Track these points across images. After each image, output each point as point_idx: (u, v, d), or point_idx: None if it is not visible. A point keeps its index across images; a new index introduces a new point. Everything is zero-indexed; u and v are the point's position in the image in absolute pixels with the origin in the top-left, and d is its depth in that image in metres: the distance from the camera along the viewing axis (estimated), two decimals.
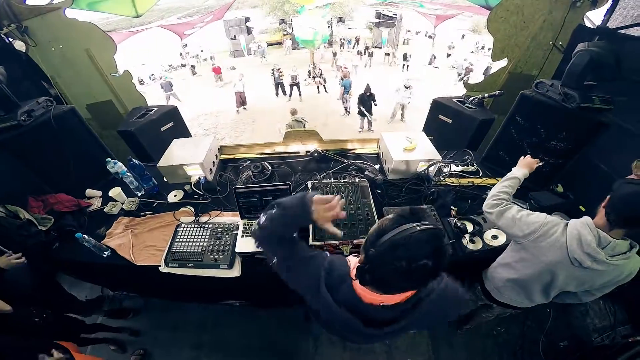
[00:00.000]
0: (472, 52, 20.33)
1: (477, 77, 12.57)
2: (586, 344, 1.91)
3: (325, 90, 11.97)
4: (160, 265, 1.81)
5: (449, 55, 18.51)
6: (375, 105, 8.02)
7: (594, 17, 2.78)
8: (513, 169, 1.78)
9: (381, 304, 0.96)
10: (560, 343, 2.22)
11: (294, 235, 1.17)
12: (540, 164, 1.81)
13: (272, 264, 1.12)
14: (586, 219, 1.36)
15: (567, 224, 1.39)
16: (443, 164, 2.36)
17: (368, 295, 0.97)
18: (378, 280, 0.90)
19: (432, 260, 0.79)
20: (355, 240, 1.77)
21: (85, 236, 1.78)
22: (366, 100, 7.85)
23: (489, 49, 3.35)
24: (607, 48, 1.88)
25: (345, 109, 9.64)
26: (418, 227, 0.81)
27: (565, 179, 2.37)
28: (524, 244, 1.51)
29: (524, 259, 1.57)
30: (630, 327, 1.78)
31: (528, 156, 1.80)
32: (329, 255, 1.15)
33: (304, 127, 6.88)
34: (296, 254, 1.12)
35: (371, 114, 8.11)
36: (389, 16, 18.95)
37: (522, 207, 1.58)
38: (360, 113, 8.13)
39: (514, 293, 1.73)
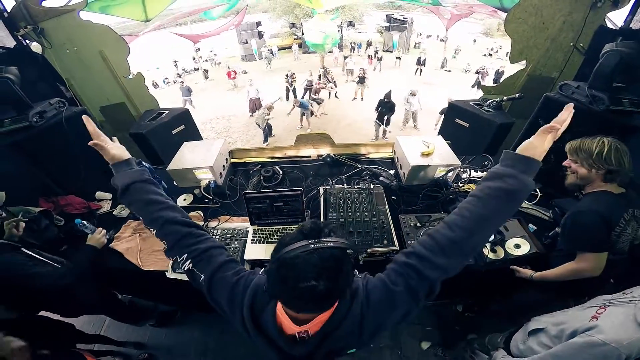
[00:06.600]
0: (484, 55, 20.05)
1: (490, 81, 12.37)
2: None
3: (336, 96, 11.83)
4: (167, 271, 1.78)
5: (468, 60, 17.92)
6: (392, 114, 7.65)
7: (615, 18, 2.67)
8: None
9: (297, 333, 0.88)
10: None
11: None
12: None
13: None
14: None
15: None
16: (462, 170, 2.27)
17: (287, 322, 0.88)
18: (276, 296, 0.85)
19: (322, 282, 0.73)
20: (369, 249, 1.69)
21: (85, 222, 1.78)
22: (385, 108, 7.51)
23: (506, 53, 3.26)
24: (638, 48, 1.77)
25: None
26: (312, 246, 0.76)
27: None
28: None
29: None
30: None
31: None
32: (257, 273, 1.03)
33: (266, 118, 7.74)
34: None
35: (387, 124, 7.78)
36: (399, 20, 18.82)
37: None
38: (378, 120, 7.81)
39: None
